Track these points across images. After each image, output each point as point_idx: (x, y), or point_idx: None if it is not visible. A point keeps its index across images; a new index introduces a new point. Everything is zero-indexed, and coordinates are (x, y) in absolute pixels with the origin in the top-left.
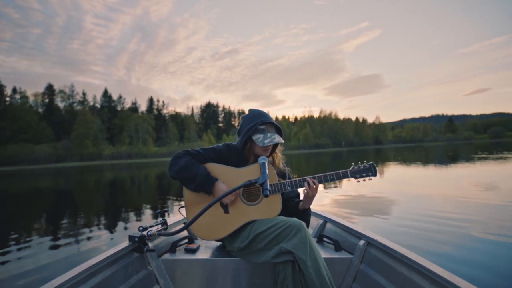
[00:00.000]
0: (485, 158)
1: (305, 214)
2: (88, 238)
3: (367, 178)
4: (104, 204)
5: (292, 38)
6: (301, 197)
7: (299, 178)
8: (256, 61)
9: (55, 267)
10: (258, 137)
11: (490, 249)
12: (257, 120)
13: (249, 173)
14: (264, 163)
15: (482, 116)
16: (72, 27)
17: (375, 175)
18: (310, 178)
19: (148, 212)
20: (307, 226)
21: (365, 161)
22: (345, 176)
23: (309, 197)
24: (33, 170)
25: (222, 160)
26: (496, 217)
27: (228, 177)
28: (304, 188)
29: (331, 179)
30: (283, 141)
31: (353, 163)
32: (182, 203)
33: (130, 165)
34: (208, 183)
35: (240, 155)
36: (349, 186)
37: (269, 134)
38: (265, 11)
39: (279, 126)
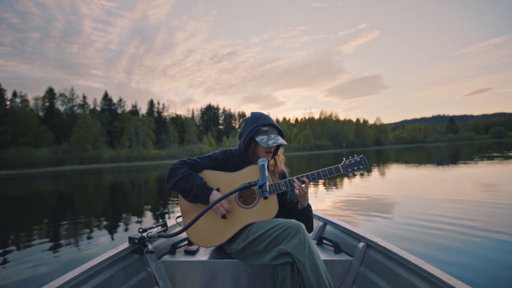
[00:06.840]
0: (498, 158)
1: (306, 212)
2: (88, 240)
3: (359, 172)
4: (104, 206)
5: (291, 40)
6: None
7: (289, 178)
8: (255, 63)
9: (55, 269)
10: (261, 138)
11: (489, 251)
12: (259, 122)
13: (243, 176)
14: (263, 165)
15: (483, 116)
16: (71, 31)
17: (366, 167)
18: (299, 176)
19: (148, 214)
20: (311, 226)
21: (355, 155)
22: (338, 171)
23: (301, 195)
24: (33, 173)
25: (220, 167)
26: (497, 218)
27: (223, 182)
28: (294, 187)
29: (324, 176)
30: (286, 143)
31: (344, 158)
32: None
33: (130, 168)
34: (204, 193)
35: (242, 158)
36: (350, 187)
37: (272, 136)
38: (263, 13)
39: (281, 129)
